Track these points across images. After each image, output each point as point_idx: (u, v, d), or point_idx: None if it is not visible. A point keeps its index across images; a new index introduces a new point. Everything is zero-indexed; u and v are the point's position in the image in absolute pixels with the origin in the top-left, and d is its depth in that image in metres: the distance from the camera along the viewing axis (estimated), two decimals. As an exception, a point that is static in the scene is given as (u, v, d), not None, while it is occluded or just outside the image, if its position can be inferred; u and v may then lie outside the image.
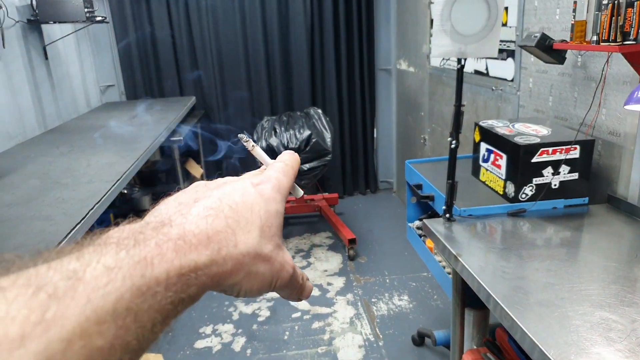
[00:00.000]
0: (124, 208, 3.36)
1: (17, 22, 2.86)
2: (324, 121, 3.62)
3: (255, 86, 4.42)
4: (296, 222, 4.22)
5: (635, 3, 1.23)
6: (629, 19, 1.22)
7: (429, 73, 3.51)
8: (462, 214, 1.63)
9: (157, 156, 4.16)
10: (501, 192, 1.75)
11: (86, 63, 3.99)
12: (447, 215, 1.60)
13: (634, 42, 1.25)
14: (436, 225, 1.57)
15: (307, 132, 3.35)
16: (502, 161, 1.72)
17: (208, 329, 2.77)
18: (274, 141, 3.35)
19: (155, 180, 3.62)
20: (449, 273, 1.83)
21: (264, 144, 3.39)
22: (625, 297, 1.13)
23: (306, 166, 3.36)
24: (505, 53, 2.35)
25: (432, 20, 3.36)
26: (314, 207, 4.08)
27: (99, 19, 3.22)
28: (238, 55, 4.30)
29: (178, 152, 3.27)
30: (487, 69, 2.59)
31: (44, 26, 3.18)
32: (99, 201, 1.71)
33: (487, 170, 1.86)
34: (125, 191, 3.50)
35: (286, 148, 3.32)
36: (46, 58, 3.23)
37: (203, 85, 4.37)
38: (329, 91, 4.48)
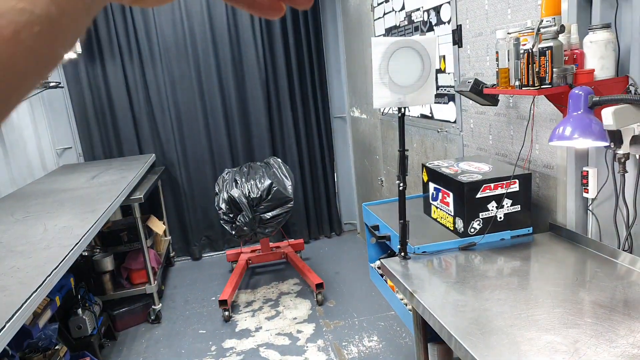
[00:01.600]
0: (85, 271, 3.27)
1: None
2: (284, 169, 3.70)
3: (215, 139, 4.48)
4: (263, 271, 4.20)
5: (547, 52, 1.39)
6: (543, 65, 1.37)
7: (379, 119, 3.69)
8: (416, 251, 1.71)
9: (117, 215, 4.10)
10: (452, 228, 1.84)
11: (41, 127, 3.97)
12: (402, 253, 1.67)
13: (549, 86, 1.40)
14: (393, 264, 1.64)
15: (267, 182, 3.41)
16: (450, 199, 1.83)
17: (176, 391, 2.67)
18: (235, 192, 3.39)
19: (117, 240, 3.55)
20: (411, 310, 1.88)
21: (225, 195, 3.42)
22: (567, 319, 1.21)
23: (269, 214, 3.40)
24: (447, 97, 2.53)
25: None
26: (280, 254, 4.08)
27: (52, 84, 3.25)
28: (196, 109, 4.38)
29: (139, 210, 3.25)
30: (431, 112, 2.76)
31: (-4, 93, 3.17)
32: (56, 267, 1.69)
33: (437, 207, 1.96)
34: (86, 253, 3.42)
35: (247, 198, 3.36)
36: (-1, 124, 3.20)
37: (162, 141, 4.40)
38: (287, 140, 4.60)
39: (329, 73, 4.65)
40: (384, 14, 3.29)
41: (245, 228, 3.40)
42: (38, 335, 2.27)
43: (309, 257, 4.37)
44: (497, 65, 1.55)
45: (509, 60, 1.48)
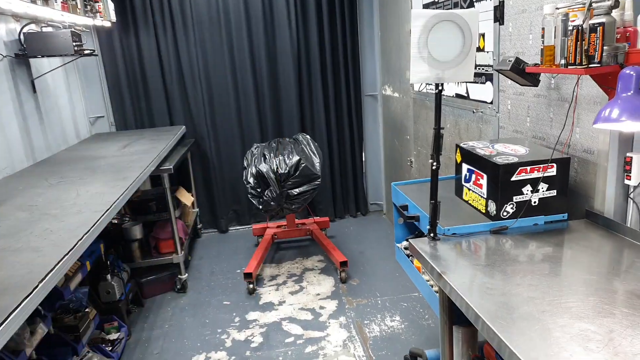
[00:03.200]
0: (114, 238, 3.35)
1: (4, 57, 2.91)
2: (312, 146, 3.67)
3: (245, 114, 4.49)
4: (288, 246, 4.23)
5: (598, 28, 1.31)
6: (593, 43, 1.29)
7: (412, 98, 3.60)
8: (446, 232, 1.67)
9: (147, 185, 4.18)
10: (483, 211, 1.79)
11: (75, 95, 4.04)
12: (432, 234, 1.63)
13: (598, 65, 1.32)
14: (421, 245, 1.61)
15: (296, 158, 3.40)
16: (483, 181, 1.77)
17: (201, 358, 2.74)
18: (263, 167, 3.39)
19: (146, 209, 3.62)
20: (437, 292, 1.85)
21: (253, 169, 3.42)
22: (602, 309, 1.16)
23: (296, 191, 3.40)
24: (484, 77, 2.44)
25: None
26: (305, 231, 4.10)
27: (87, 52, 3.28)
28: (227, 83, 4.38)
29: (168, 181, 3.29)
30: (467, 92, 2.67)
31: (32, 60, 3.23)
32: (88, 231, 1.72)
33: (469, 189, 1.90)
34: (116, 221, 3.50)
35: (275, 173, 3.36)
36: (34, 91, 3.27)
37: (192, 113, 4.43)
38: (317, 117, 4.56)
39: (362, 50, 4.56)
40: (422, -12, 3.18)
41: (272, 203, 3.41)
42: (69, 297, 2.34)
43: (334, 235, 4.37)
44: (542, 43, 1.47)
45: (555, 37, 1.40)
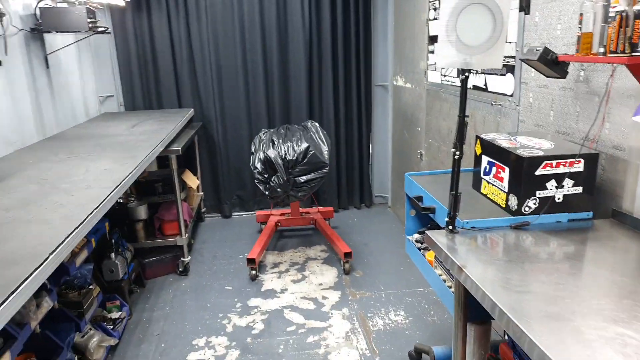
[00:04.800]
0: (119, 217, 3.31)
1: (20, 31, 2.85)
2: (321, 134, 3.62)
3: (253, 99, 4.43)
4: (291, 234, 4.20)
5: (642, 16, 1.25)
6: (637, 30, 1.23)
7: (425, 89, 3.54)
8: (465, 225, 1.62)
9: (153, 166, 4.13)
10: (503, 205, 1.74)
11: (86, 73, 3.99)
12: (450, 226, 1.59)
13: (641, 55, 1.26)
14: (439, 237, 1.56)
15: (304, 145, 3.35)
16: (505, 174, 1.72)
17: (201, 341, 2.71)
18: (271, 153, 3.34)
19: (152, 190, 3.58)
20: (450, 287, 1.81)
21: (261, 155, 3.37)
22: (639, 313, 1.11)
23: (303, 178, 3.35)
24: (505, 68, 2.38)
25: (430, 37, 3.40)
26: (309, 219, 4.06)
27: (101, 29, 3.23)
28: (236, 68, 4.32)
29: (176, 162, 3.25)
30: (485, 84, 2.61)
31: (46, 35, 3.18)
32: (97, 206, 1.68)
33: (488, 182, 1.85)
34: (122, 200, 3.46)
35: (283, 159, 3.31)
36: (47, 67, 3.22)
37: (201, 97, 4.38)
38: (326, 105, 4.50)
39: (374, 39, 4.49)
40: (443, -23, 3.11)
41: (278, 189, 3.37)
42: (75, 273, 2.31)
43: (337, 226, 4.33)
44: (580, 30, 1.41)
45: (594, 24, 1.34)
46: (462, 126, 1.51)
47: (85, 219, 1.56)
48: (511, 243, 1.55)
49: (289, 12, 4.26)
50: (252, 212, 4.62)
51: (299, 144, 3.37)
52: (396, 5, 4.19)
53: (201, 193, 4.51)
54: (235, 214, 4.71)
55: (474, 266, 1.35)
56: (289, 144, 3.37)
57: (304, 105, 4.46)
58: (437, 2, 3.23)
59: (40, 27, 3.00)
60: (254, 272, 3.39)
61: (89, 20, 3.03)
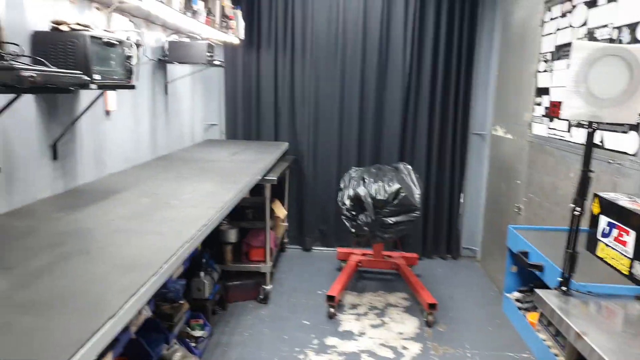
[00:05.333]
0: (210, 238, 3.46)
1: (150, 60, 3.19)
2: (413, 177, 3.57)
3: (346, 138, 4.52)
4: (371, 277, 4.12)
5: None
6: None
7: (529, 141, 3.39)
8: (580, 289, 1.49)
9: (245, 193, 4.31)
10: (625, 272, 1.58)
11: (197, 102, 4.33)
12: (564, 287, 1.46)
13: None
14: (552, 297, 1.44)
15: (396, 186, 3.32)
16: (629, 237, 1.57)
17: (276, 373, 2.70)
18: (361, 190, 3.35)
19: (242, 216, 3.72)
20: (557, 355, 1.65)
21: (351, 192, 3.39)
22: None
23: (392, 219, 3.30)
24: (628, 126, 2.21)
25: (537, 89, 3.27)
26: (391, 264, 3.96)
27: (217, 63, 3.51)
28: (333, 106, 4.46)
29: (270, 191, 3.36)
30: (602, 140, 2.44)
31: (168, 65, 3.52)
32: (206, 224, 1.77)
33: (607, 245, 1.70)
34: (215, 223, 3.63)
35: (373, 198, 3.30)
36: (166, 93, 3.54)
37: (297, 132, 4.55)
38: (418, 149, 4.47)
39: (475, 87, 4.42)
40: (557, 29, 3.02)
41: (365, 228, 3.34)
42: (171, 286, 2.43)
43: (420, 274, 4.17)
44: None
45: None
46: (585, 181, 1.41)
47: (194, 236, 1.65)
48: (635, 315, 1.39)
49: (390, 57, 4.35)
50: (333, 249, 4.61)
51: (391, 184, 3.35)
52: (501, 55, 4.12)
53: (286, 224, 4.61)
54: (316, 248, 4.74)
55: (596, 334, 1.23)
56: (380, 184, 3.36)
57: (395, 148, 4.46)
58: (548, 54, 3.13)
59: (167, 59, 3.34)
60: (332, 309, 3.35)
61: (208, 54, 3.32)
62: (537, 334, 1.80)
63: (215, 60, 3.48)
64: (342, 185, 3.63)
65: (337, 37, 4.35)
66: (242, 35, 4.09)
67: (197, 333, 2.88)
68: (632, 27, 2.23)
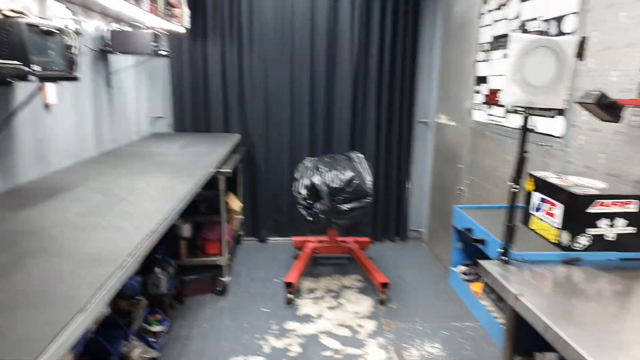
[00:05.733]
0: (166, 234, 3.42)
1: (91, 51, 3.08)
2: (365, 165, 3.71)
3: (297, 128, 4.57)
4: (326, 262, 4.24)
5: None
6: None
7: (470, 127, 3.60)
8: (517, 258, 1.65)
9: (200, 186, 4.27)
10: (554, 241, 1.77)
11: (141, 94, 4.22)
12: (504, 257, 1.62)
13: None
14: (493, 267, 1.59)
15: (350, 174, 3.44)
16: (557, 210, 1.76)
17: (239, 361, 2.75)
18: (317, 179, 3.44)
19: (196, 210, 3.70)
20: (497, 318, 1.82)
21: (306, 181, 3.47)
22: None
23: (346, 206, 3.42)
24: (556, 111, 2.43)
25: (477, 77, 3.47)
26: (345, 249, 4.10)
27: (163, 53, 3.44)
28: (283, 97, 4.49)
29: (224, 184, 3.37)
30: (534, 125, 2.66)
31: (109, 56, 3.41)
32: (166, 217, 1.79)
33: (539, 219, 1.89)
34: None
35: (328, 187, 3.40)
36: (109, 85, 3.44)
37: (248, 123, 4.55)
38: (368, 138, 4.61)
39: (419, 77, 4.61)
40: (494, 21, 3.22)
41: (321, 216, 3.44)
42: (127, 283, 2.41)
43: (372, 257, 4.34)
44: (640, 76, 1.47)
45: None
46: (521, 161, 1.57)
47: (156, 229, 1.66)
48: (564, 277, 1.57)
49: (339, 46, 4.43)
50: (288, 238, 4.69)
51: (344, 172, 3.46)
52: (443, 46, 4.31)
53: (242, 216, 4.62)
54: (271, 238, 4.79)
55: (532, 296, 1.38)
56: (335, 172, 3.46)
57: (345, 137, 4.57)
58: (486, 45, 3.33)
59: (108, 49, 3.23)
60: (291, 295, 3.44)
61: (153, 44, 3.24)
62: (480, 302, 1.98)
63: (160, 50, 3.41)
64: (297, 176, 3.70)
65: (284, 26, 4.37)
66: (187, 24, 4.02)
67: (156, 328, 2.87)
68: (558, 20, 2.44)
